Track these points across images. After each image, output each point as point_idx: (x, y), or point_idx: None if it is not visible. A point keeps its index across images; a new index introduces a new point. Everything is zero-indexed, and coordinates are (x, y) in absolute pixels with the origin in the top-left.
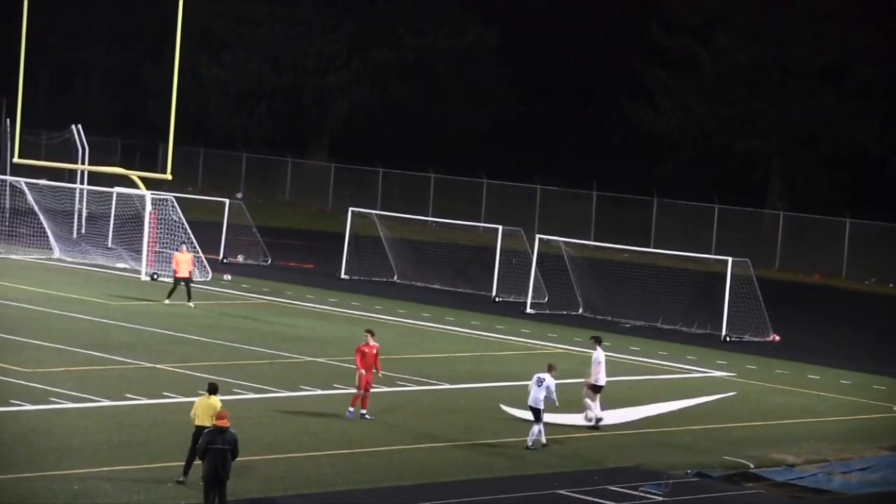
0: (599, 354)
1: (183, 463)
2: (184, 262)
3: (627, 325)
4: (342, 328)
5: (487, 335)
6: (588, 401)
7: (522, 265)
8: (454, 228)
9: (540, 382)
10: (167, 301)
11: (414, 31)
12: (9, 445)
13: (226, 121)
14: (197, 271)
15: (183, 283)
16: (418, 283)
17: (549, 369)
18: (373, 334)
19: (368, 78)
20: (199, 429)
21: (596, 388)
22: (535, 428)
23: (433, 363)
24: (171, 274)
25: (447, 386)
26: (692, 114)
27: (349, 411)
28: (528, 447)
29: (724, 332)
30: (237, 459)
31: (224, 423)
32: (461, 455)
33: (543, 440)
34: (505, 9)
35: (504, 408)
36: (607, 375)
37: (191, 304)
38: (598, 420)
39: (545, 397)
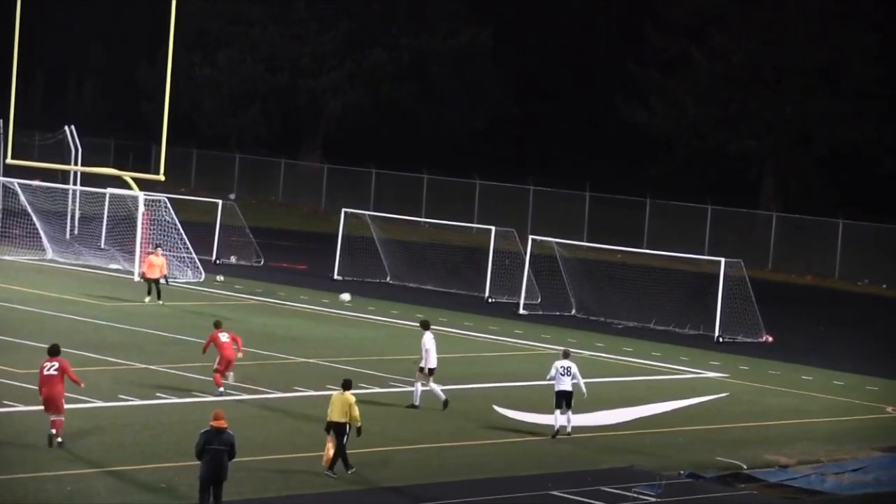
0: (427, 339)
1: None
2: (156, 265)
3: (620, 326)
4: (335, 329)
5: (480, 336)
6: (419, 384)
7: (515, 266)
8: (447, 229)
9: (567, 372)
10: (147, 300)
11: (408, 31)
12: (2, 446)
13: (219, 121)
14: (177, 273)
15: (154, 284)
16: (411, 284)
17: (566, 356)
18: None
19: (362, 78)
20: (333, 423)
21: (430, 371)
22: (559, 414)
23: None
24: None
25: (440, 387)
26: (686, 114)
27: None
28: (555, 434)
29: (717, 333)
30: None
31: (222, 423)
32: (454, 456)
33: (569, 429)
34: (499, 9)
35: (497, 409)
36: (608, 376)
37: (160, 301)
38: (445, 403)
39: (574, 384)
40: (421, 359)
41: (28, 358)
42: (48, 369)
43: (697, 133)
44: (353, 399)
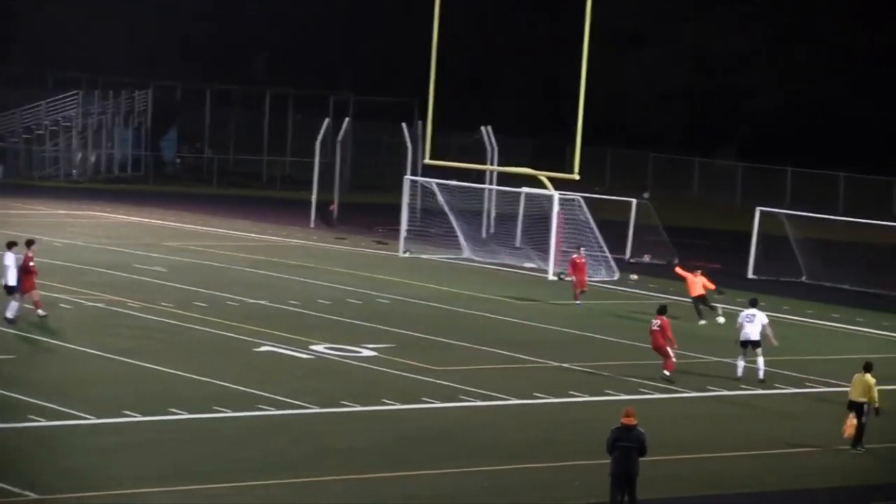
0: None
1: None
2: (696, 283)
3: None
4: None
5: None
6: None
7: None
8: (867, 227)
9: (751, 319)
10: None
11: (833, 28)
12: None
13: (638, 120)
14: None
15: (700, 303)
16: (827, 283)
17: (754, 304)
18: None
19: (783, 76)
20: (853, 403)
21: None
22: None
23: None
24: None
25: None
26: None
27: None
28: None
29: None
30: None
31: (631, 420)
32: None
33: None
34: None
35: None
36: None
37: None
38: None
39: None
40: None
41: (443, 355)
42: (653, 326)
43: None
44: (872, 381)
